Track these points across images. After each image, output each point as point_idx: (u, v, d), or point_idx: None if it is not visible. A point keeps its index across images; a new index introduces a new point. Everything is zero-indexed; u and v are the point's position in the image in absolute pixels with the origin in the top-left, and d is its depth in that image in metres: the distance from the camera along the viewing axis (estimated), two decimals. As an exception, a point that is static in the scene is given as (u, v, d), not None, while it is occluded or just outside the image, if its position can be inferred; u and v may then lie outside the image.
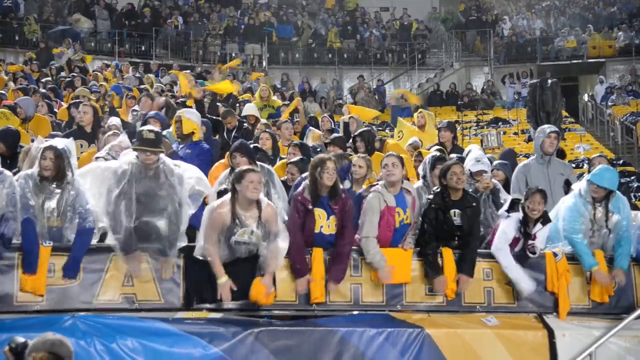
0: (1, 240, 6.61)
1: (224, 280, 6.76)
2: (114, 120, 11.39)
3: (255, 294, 6.82)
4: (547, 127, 9.07)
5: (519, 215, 7.41)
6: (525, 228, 7.42)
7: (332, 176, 6.99)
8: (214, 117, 11.65)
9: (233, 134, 11.09)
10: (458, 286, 7.27)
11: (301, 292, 7.08)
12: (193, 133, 9.12)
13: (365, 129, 10.13)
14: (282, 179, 8.40)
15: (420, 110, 13.44)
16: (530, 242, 7.38)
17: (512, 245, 7.43)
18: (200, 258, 6.84)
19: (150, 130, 7.00)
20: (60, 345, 4.41)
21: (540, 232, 7.40)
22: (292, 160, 8.74)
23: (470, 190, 7.94)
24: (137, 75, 20.66)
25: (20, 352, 4.45)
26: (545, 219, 7.43)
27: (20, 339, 4.49)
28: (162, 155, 7.03)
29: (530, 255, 7.35)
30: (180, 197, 6.93)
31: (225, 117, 11.37)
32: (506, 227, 7.43)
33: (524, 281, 7.26)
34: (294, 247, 6.98)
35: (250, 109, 12.40)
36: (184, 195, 6.99)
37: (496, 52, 30.48)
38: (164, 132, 9.59)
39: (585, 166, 14.55)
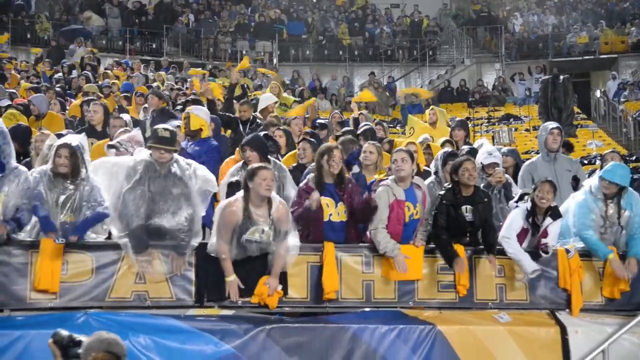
0: (16, 222, 6.75)
1: (232, 279, 6.83)
2: (124, 117, 11.42)
3: (258, 294, 6.86)
4: (549, 124, 9.09)
5: (527, 205, 7.43)
6: (534, 219, 7.41)
7: (338, 164, 7.05)
8: (229, 115, 11.63)
9: (247, 128, 11.05)
10: (470, 281, 7.27)
11: (317, 203, 7.05)
12: (201, 130, 9.10)
13: (367, 126, 10.09)
14: (293, 164, 8.45)
15: (432, 107, 13.39)
16: (543, 240, 7.35)
17: (521, 236, 7.42)
18: (213, 255, 6.86)
19: (165, 129, 7.03)
20: (117, 345, 4.43)
21: (552, 228, 7.36)
22: (305, 137, 8.79)
23: (482, 184, 7.94)
24: (149, 73, 20.66)
25: (66, 346, 4.45)
26: (554, 213, 7.40)
27: (65, 332, 4.49)
28: (175, 154, 7.05)
29: (543, 254, 7.33)
30: (193, 196, 6.95)
31: (242, 105, 11.34)
32: (514, 217, 7.46)
33: (530, 266, 7.21)
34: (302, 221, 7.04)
35: (267, 99, 12.32)
36: (197, 193, 7.01)
37: (507, 49, 30.37)
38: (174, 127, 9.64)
39: (598, 162, 14.50)
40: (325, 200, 7.12)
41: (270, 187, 6.78)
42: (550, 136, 8.78)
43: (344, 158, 7.23)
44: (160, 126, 7.16)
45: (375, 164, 8.24)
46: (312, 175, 7.23)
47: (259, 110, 11.73)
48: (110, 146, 8.05)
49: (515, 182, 8.53)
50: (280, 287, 6.93)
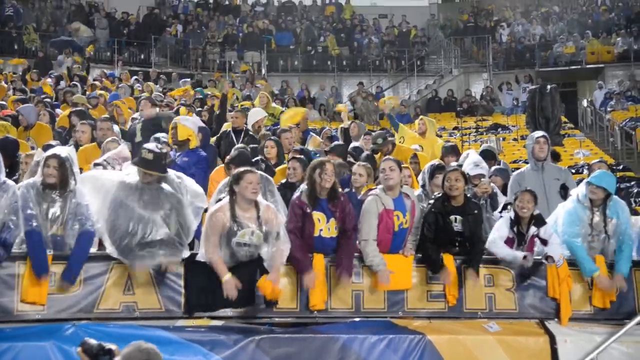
0: (3, 245, 6.63)
1: (228, 277, 6.74)
2: (113, 128, 11.40)
3: (263, 288, 6.79)
4: (536, 133, 9.16)
5: (510, 214, 7.52)
6: (519, 228, 7.46)
7: (330, 178, 7.02)
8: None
9: (241, 139, 11.04)
10: (459, 290, 7.28)
11: (311, 286, 7.01)
12: (189, 140, 9.08)
13: (336, 143, 10.10)
14: (282, 181, 8.43)
15: (421, 117, 13.44)
16: (545, 250, 7.37)
17: (508, 246, 7.45)
18: (202, 261, 6.85)
19: (149, 151, 6.95)
20: (156, 354, 4.42)
21: (552, 240, 7.38)
22: (295, 156, 8.77)
23: (468, 194, 7.97)
24: (135, 85, 20.60)
25: (96, 354, 4.44)
26: (538, 221, 7.44)
27: (93, 340, 4.48)
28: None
29: (548, 264, 7.35)
30: (184, 208, 6.93)
31: (235, 113, 11.31)
32: (499, 226, 7.53)
33: (515, 255, 7.28)
34: (294, 246, 6.97)
35: (257, 114, 12.31)
36: (188, 206, 6.98)
37: (495, 59, 30.49)
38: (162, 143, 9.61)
39: (585, 172, 14.56)
40: (317, 215, 7.11)
41: (256, 190, 6.80)
42: (536, 145, 8.85)
43: (336, 172, 7.19)
44: (146, 146, 7.08)
45: (363, 185, 8.26)
46: (303, 187, 7.21)
47: (249, 123, 11.73)
48: (97, 164, 8.03)
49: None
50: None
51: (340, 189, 7.28)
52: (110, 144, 8.83)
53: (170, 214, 6.88)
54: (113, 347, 4.46)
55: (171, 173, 7.10)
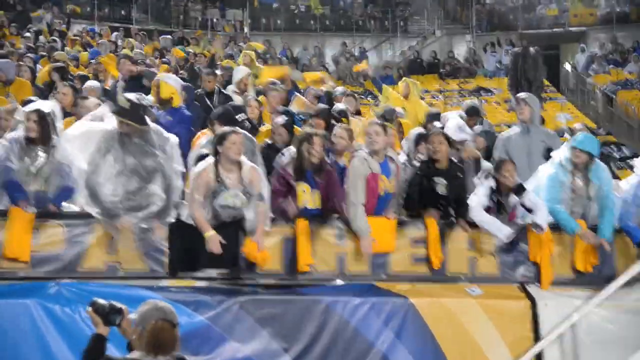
0: None
1: (211, 234, 6.73)
2: (93, 84, 11.25)
3: (248, 251, 6.83)
4: (519, 95, 9.07)
5: (490, 182, 7.50)
6: (498, 197, 7.49)
7: (319, 153, 6.98)
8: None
9: (214, 100, 10.95)
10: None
11: (293, 213, 7.08)
12: (172, 98, 8.96)
13: (322, 107, 10.01)
14: (268, 141, 8.39)
15: (404, 79, 13.36)
16: (530, 216, 7.39)
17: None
18: (186, 223, 6.84)
19: (127, 99, 6.88)
20: (171, 313, 4.46)
21: (538, 207, 7.38)
22: (280, 122, 8.68)
23: (454, 158, 7.98)
24: (113, 40, 20.35)
25: (108, 312, 4.46)
26: (518, 190, 7.46)
27: (102, 300, 4.50)
28: (149, 125, 6.95)
29: (536, 232, 7.38)
30: (168, 168, 6.89)
31: (207, 76, 11.20)
32: (479, 193, 7.50)
33: (501, 230, 7.31)
34: (274, 202, 7.01)
35: (241, 71, 12.21)
36: (173, 164, 6.94)
37: (478, 20, 30.39)
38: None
39: (567, 135, 14.61)
40: (302, 187, 7.10)
41: (239, 151, 6.78)
42: (517, 107, 8.82)
43: (325, 145, 7.14)
44: (125, 94, 7.02)
45: (343, 149, 8.18)
46: (290, 159, 7.15)
47: (233, 82, 11.63)
48: None
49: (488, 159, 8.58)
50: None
51: (326, 160, 7.25)
52: (89, 102, 8.72)
53: (155, 171, 6.83)
54: (123, 307, 4.47)
55: (159, 131, 7.01)
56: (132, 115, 6.80)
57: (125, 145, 6.80)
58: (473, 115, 9.94)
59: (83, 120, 8.00)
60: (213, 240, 6.73)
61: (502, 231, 7.28)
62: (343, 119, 9.58)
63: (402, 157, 8.27)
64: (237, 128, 7.09)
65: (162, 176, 6.87)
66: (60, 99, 9.56)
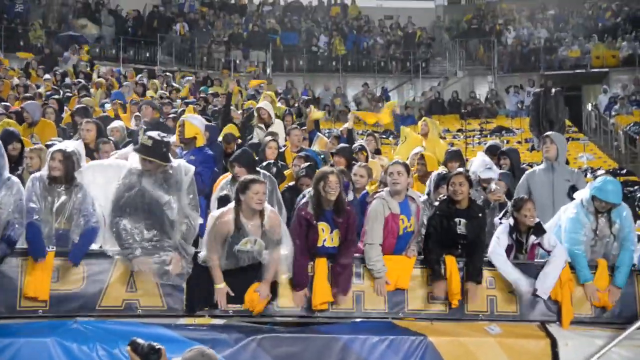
0: (7, 242, 6.67)
1: (221, 286, 6.87)
2: (117, 124, 11.42)
3: (249, 300, 6.89)
4: (546, 134, 9.09)
5: (509, 221, 7.49)
6: (517, 236, 7.46)
7: (335, 191, 6.98)
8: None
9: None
10: (466, 295, 7.28)
11: (299, 305, 7.11)
12: (195, 138, 9.07)
13: (342, 146, 10.12)
14: (290, 184, 8.45)
15: (424, 118, 13.44)
16: (535, 290, 7.34)
17: (506, 253, 7.45)
18: (203, 264, 6.87)
19: (149, 137, 6.90)
20: None
21: (556, 251, 7.37)
22: (299, 154, 8.78)
23: (480, 200, 8.00)
24: (140, 81, 20.66)
25: (147, 353, 4.46)
26: (537, 230, 7.44)
27: (141, 340, 4.51)
28: (169, 163, 7.01)
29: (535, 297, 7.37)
30: (187, 208, 6.90)
31: (228, 141, 11.34)
32: (499, 233, 7.49)
33: (522, 283, 7.27)
34: (294, 262, 7.01)
35: (265, 104, 12.42)
36: (192, 202, 6.95)
37: (500, 61, 30.49)
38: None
39: (589, 175, 14.55)
40: (322, 226, 7.10)
41: (261, 201, 6.78)
42: (543, 146, 8.81)
43: (341, 182, 7.16)
44: (147, 133, 7.04)
45: (364, 187, 8.42)
46: (310, 200, 7.17)
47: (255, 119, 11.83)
48: None
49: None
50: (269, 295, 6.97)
51: (345, 199, 7.26)
52: (106, 145, 8.85)
53: (174, 208, 6.86)
54: (161, 347, 4.48)
55: (182, 166, 7.04)
56: (154, 152, 6.85)
57: (146, 182, 6.84)
58: (495, 153, 9.99)
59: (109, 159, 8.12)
60: (221, 293, 6.86)
61: (522, 285, 7.26)
62: (363, 152, 9.70)
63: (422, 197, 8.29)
64: (260, 177, 7.13)
65: (181, 213, 6.88)
66: (84, 136, 9.71)
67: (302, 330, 7.05)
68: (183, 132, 9.03)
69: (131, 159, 7.07)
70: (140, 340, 4.50)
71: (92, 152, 9.53)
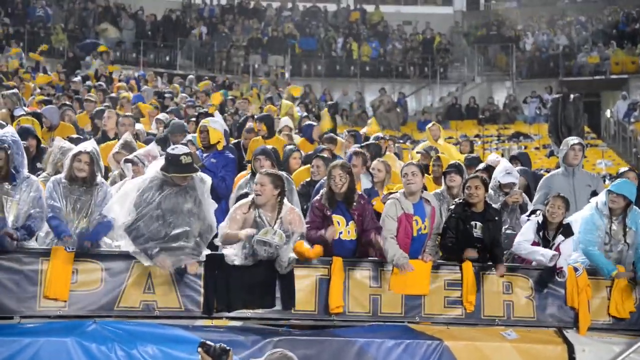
0: (27, 229, 6.80)
1: (248, 231, 6.78)
2: (138, 127, 11.51)
3: (300, 251, 6.93)
4: (571, 139, 9.04)
5: (538, 218, 7.55)
6: (545, 233, 7.48)
7: (339, 182, 7.06)
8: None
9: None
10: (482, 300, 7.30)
11: (332, 237, 7.09)
12: (218, 142, 9.11)
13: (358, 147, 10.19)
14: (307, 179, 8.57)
15: (433, 122, 13.58)
16: (558, 265, 7.36)
17: None
18: (221, 260, 6.94)
19: (187, 154, 6.90)
20: None
21: (564, 246, 7.38)
22: (318, 155, 8.87)
23: (499, 203, 8.02)
24: (160, 85, 20.82)
25: (220, 354, 4.52)
26: (566, 231, 7.45)
27: (211, 342, 4.58)
28: None
29: (559, 279, 7.35)
30: (205, 209, 6.95)
31: (247, 133, 11.37)
32: (526, 229, 7.58)
33: (545, 255, 7.31)
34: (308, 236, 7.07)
35: (283, 122, 12.52)
36: (210, 209, 7.00)
37: (518, 67, 30.41)
38: (189, 138, 9.74)
39: (608, 182, 14.48)
40: (337, 218, 7.15)
41: (258, 192, 6.86)
42: (571, 151, 8.78)
43: (350, 175, 7.18)
44: (180, 153, 6.92)
45: (382, 181, 8.54)
46: (324, 189, 7.26)
47: (277, 129, 11.90)
48: (127, 160, 8.09)
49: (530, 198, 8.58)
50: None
51: (359, 191, 7.33)
52: (121, 154, 8.93)
53: (191, 216, 6.90)
54: (229, 348, 4.56)
55: (199, 174, 7.09)
56: (192, 167, 6.92)
57: (167, 190, 6.88)
58: (523, 162, 10.12)
59: (132, 155, 8.19)
60: (248, 234, 6.77)
61: (545, 256, 7.29)
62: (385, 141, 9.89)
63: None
64: (267, 170, 7.21)
65: (198, 219, 6.92)
66: (104, 123, 10.16)
67: (319, 333, 7.08)
68: (207, 138, 9.00)
69: (151, 168, 7.11)
70: (210, 342, 4.56)
71: (110, 140, 9.78)
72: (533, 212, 7.87)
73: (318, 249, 6.98)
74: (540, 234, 7.50)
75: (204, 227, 6.90)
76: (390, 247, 7.12)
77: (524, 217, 7.94)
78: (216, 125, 9.27)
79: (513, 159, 10.21)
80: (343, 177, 7.10)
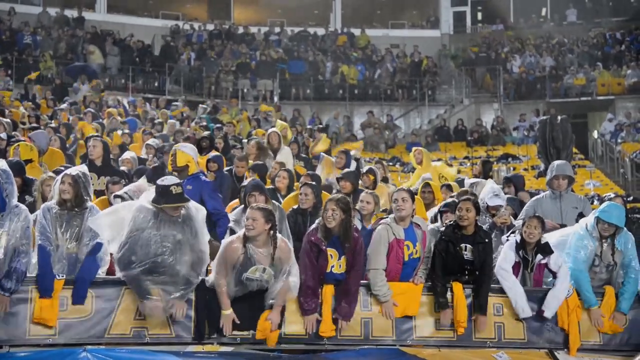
0: (15, 275, 6.68)
1: (228, 313, 6.89)
2: (128, 155, 11.54)
3: (261, 329, 6.90)
4: (557, 169, 8.98)
5: (516, 237, 7.57)
6: (524, 253, 7.51)
7: (332, 218, 7.03)
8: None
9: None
10: (474, 323, 7.30)
11: (310, 331, 7.11)
12: (187, 166, 8.98)
13: (347, 171, 10.21)
14: (294, 207, 8.53)
15: (414, 149, 13.66)
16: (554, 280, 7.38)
17: (514, 271, 7.51)
18: (212, 289, 6.92)
19: (177, 185, 6.93)
20: None
21: (561, 272, 7.41)
22: (306, 182, 8.86)
23: (486, 224, 8.03)
24: (149, 109, 20.83)
25: None
26: (545, 249, 7.48)
27: None
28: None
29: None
30: (199, 239, 6.96)
31: (240, 161, 11.34)
32: (506, 249, 7.58)
33: (523, 304, 7.31)
34: (304, 287, 7.02)
35: (286, 156, 12.58)
36: (204, 241, 7.01)
37: (506, 89, 30.59)
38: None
39: (596, 202, 14.56)
40: (330, 252, 7.14)
41: (250, 226, 6.80)
42: (555, 181, 8.83)
43: (346, 210, 7.11)
44: (170, 184, 6.93)
45: (371, 213, 8.45)
46: (319, 223, 7.21)
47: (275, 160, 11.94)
48: (117, 196, 8.10)
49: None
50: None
51: (354, 225, 7.29)
52: (115, 186, 8.88)
53: (184, 246, 6.88)
54: None
55: (190, 205, 7.07)
56: (183, 197, 6.92)
57: (160, 221, 6.88)
58: (517, 186, 10.15)
59: (122, 191, 8.18)
60: (228, 320, 6.88)
61: (523, 312, 7.32)
62: (370, 176, 9.79)
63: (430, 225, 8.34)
64: (258, 205, 7.14)
65: (191, 250, 6.92)
66: (90, 152, 9.90)
67: (310, 357, 7.07)
68: (175, 161, 8.93)
69: (142, 198, 7.10)
70: None
71: (97, 168, 9.71)
72: (513, 232, 7.88)
73: (275, 335, 6.96)
74: (520, 253, 7.52)
75: (196, 259, 6.89)
76: (378, 280, 7.20)
77: (504, 237, 7.96)
78: (185, 148, 9.16)
79: (507, 181, 10.24)
80: (336, 212, 7.05)
